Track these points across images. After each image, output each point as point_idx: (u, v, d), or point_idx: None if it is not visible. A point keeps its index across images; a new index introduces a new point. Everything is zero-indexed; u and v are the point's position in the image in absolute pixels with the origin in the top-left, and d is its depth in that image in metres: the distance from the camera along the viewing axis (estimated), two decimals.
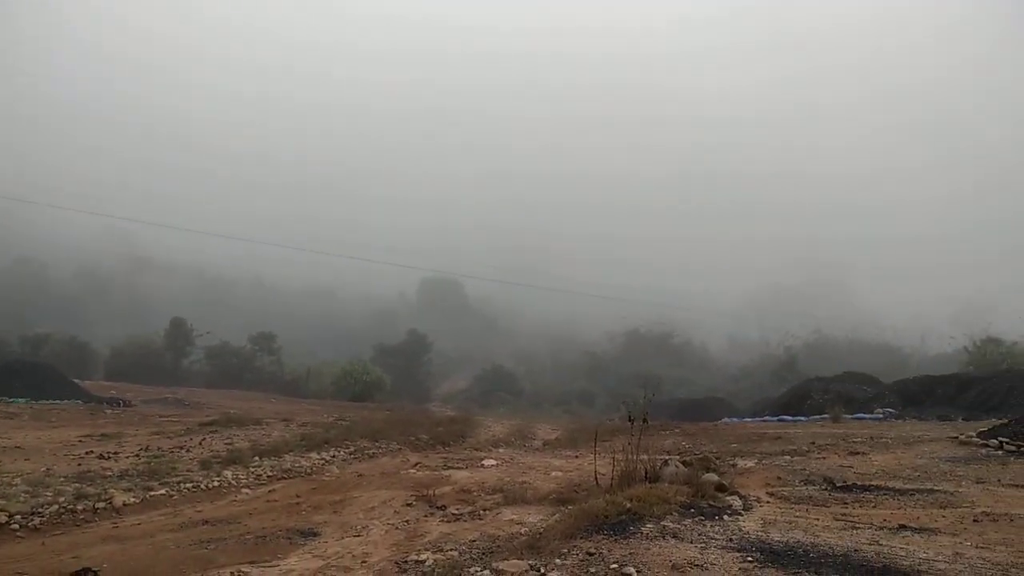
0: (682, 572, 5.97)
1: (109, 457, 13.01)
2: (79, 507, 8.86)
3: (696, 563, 6.20)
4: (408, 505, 9.80)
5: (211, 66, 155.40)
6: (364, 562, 6.88)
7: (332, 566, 6.73)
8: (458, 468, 13.57)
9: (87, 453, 13.44)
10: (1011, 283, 77.64)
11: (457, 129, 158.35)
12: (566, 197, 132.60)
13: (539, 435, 24.50)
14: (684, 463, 10.63)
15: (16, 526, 7.96)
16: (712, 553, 6.57)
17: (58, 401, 25.82)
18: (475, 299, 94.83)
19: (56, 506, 8.74)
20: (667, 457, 11.35)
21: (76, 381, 31.12)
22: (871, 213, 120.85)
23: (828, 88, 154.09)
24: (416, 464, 14.07)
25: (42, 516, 8.35)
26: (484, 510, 9.43)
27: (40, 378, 28.46)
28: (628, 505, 8.25)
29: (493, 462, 14.44)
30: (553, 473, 12.70)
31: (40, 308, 62.93)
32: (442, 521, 8.84)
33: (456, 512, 9.35)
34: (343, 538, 7.91)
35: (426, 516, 9.17)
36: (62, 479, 10.50)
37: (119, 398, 28.27)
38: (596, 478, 9.82)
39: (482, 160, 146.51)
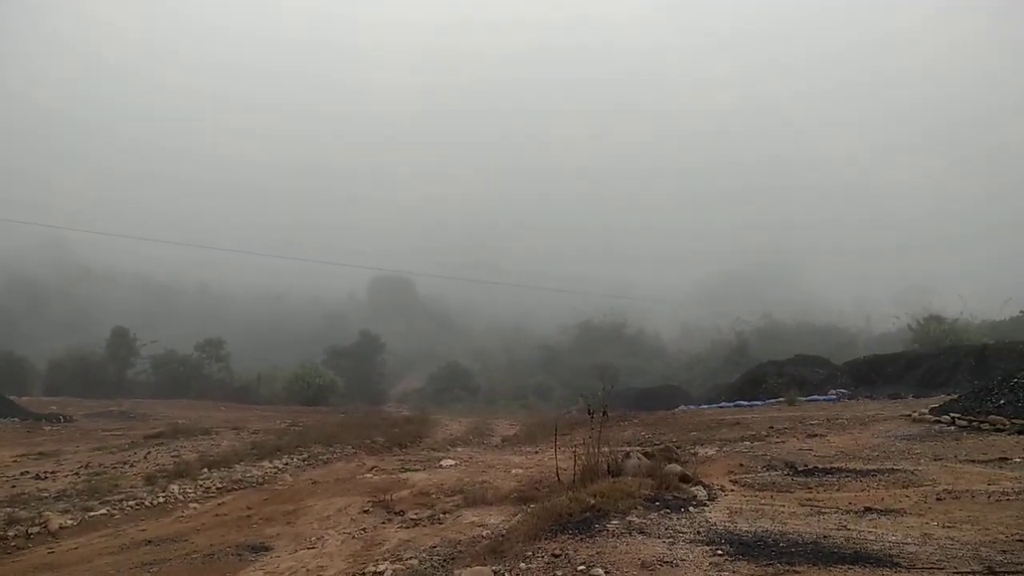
0: (652, 571, 5.78)
1: (46, 477, 12.39)
2: (11, 533, 8.37)
3: (665, 560, 6.02)
4: (365, 512, 9.48)
5: (161, 62, 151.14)
6: None
7: None
8: (415, 470, 13.26)
9: (22, 474, 12.78)
10: (958, 268, 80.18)
11: (403, 126, 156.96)
12: (514, 191, 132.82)
13: (497, 432, 24.34)
14: (646, 454, 10.48)
15: None
16: (681, 548, 6.40)
17: None
18: (426, 298, 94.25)
19: None
20: (629, 449, 11.22)
21: (12, 398, 29.81)
22: (821, 199, 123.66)
23: (783, 77, 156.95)
24: (372, 468, 13.70)
25: None
26: (444, 513, 9.16)
27: None
28: (592, 502, 8.05)
29: (452, 462, 14.17)
30: (514, 471, 12.48)
31: None
32: (400, 527, 8.55)
33: (415, 517, 9.07)
34: (297, 551, 7.57)
35: (384, 523, 8.87)
36: None
37: (59, 414, 27.15)
38: (558, 474, 9.61)
39: (426, 156, 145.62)
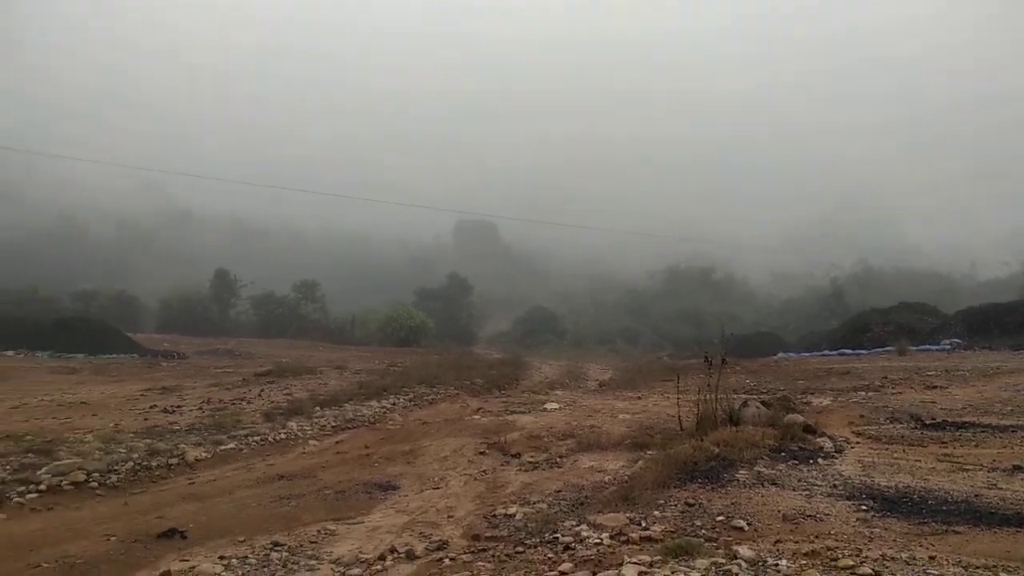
0: (795, 524, 5.60)
1: (173, 411, 13.00)
2: (153, 463, 8.78)
3: (807, 513, 5.83)
4: (481, 453, 9.60)
5: (237, 21, 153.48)
6: (451, 516, 6.65)
7: (418, 521, 6.50)
8: (521, 412, 13.40)
9: (151, 407, 13.47)
10: None
11: (488, 67, 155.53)
12: (597, 131, 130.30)
13: (591, 375, 24.38)
14: (764, 403, 10.22)
15: (95, 484, 7.88)
16: (820, 501, 6.20)
17: (115, 356, 26.19)
18: (510, 242, 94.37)
19: (131, 463, 8.65)
20: (746, 397, 10.96)
21: (129, 335, 31.56)
22: (917, 142, 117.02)
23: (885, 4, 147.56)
24: (478, 410, 13.93)
25: (118, 473, 8.27)
26: (560, 457, 9.18)
27: (95, 333, 28.87)
28: (716, 450, 7.91)
29: (555, 405, 14.24)
30: (620, 416, 12.42)
31: (85, 264, 63.93)
32: (520, 470, 8.60)
33: (532, 460, 9.11)
34: (423, 491, 7.70)
35: (502, 465, 8.95)
36: (132, 435, 10.45)
37: (173, 351, 28.61)
38: (680, 422, 9.48)
39: (514, 99, 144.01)
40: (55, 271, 56.95)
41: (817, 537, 5.23)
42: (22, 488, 7.47)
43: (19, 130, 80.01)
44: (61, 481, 7.76)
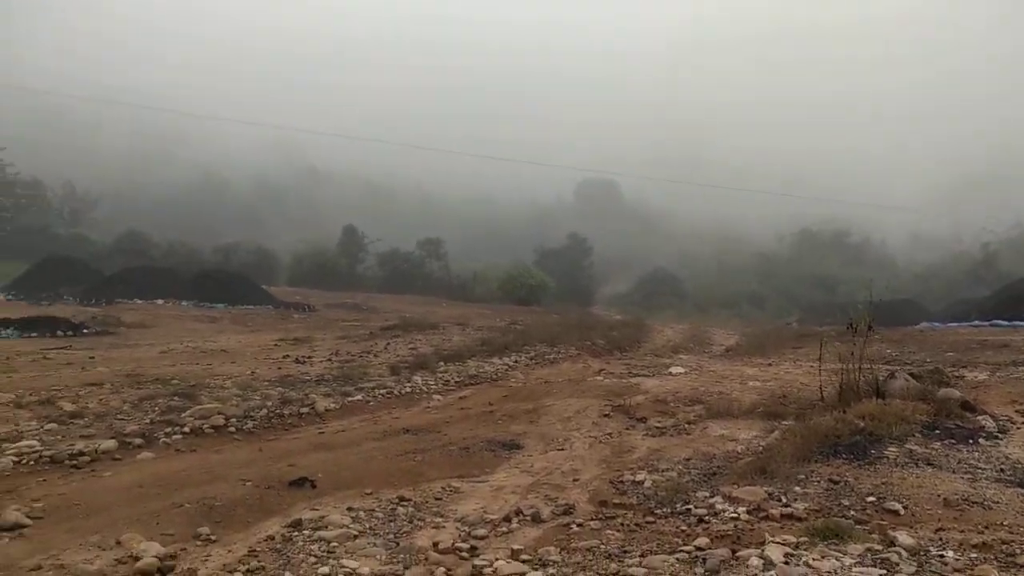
0: (959, 511, 5.08)
1: (304, 361, 13.49)
2: (285, 412, 9.07)
3: (972, 500, 5.28)
4: (605, 416, 9.39)
5: None
6: (576, 480, 6.47)
7: (543, 483, 6.36)
8: (645, 375, 13.12)
9: (284, 357, 14.03)
10: None
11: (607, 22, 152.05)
12: (724, 92, 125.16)
13: (716, 340, 23.75)
14: (912, 376, 9.47)
15: (232, 429, 8.21)
16: (987, 487, 5.61)
17: (251, 306, 27.61)
18: (632, 201, 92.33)
19: (265, 410, 8.97)
20: (892, 369, 10.20)
21: (264, 287, 33.20)
22: None
23: None
24: (600, 371, 13.73)
25: (254, 420, 8.58)
26: (688, 424, 8.85)
27: (234, 285, 30.53)
28: (860, 424, 7.37)
29: (680, 370, 13.86)
30: (750, 383, 11.93)
31: (226, 220, 67.65)
32: (646, 435, 8.34)
33: (658, 425, 8.83)
34: (547, 451, 7.57)
35: (627, 429, 8.71)
36: (266, 383, 10.89)
37: (304, 303, 29.87)
38: (821, 392, 8.91)
39: (629, 59, 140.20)
40: (199, 226, 60.54)
41: (987, 527, 4.71)
42: (169, 429, 7.88)
43: (167, 91, 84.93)
44: (203, 425, 8.13)
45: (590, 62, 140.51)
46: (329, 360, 13.81)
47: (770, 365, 14.85)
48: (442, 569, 4.32)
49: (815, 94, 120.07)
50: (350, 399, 10.17)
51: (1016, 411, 8.82)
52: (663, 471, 6.62)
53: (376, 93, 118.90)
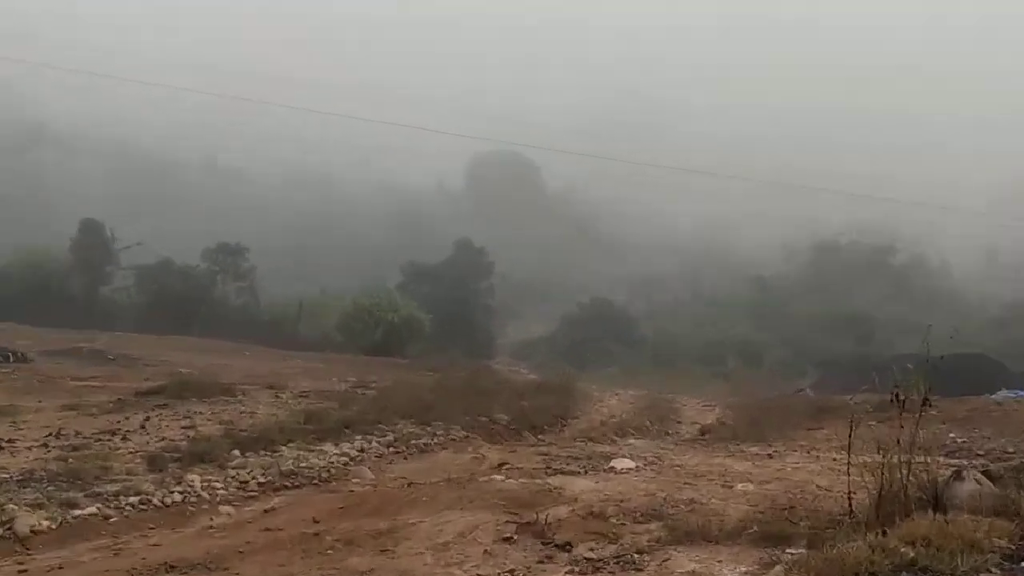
0: None
1: (1, 448, 12.90)
2: None
3: None
4: (506, 540, 9.31)
5: None
6: None
7: None
8: (573, 473, 13.18)
9: None
10: None
11: None
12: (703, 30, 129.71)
13: (686, 415, 24.13)
14: (987, 474, 9.79)
15: None
16: None
17: None
18: (559, 191, 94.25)
19: None
20: (956, 464, 10.54)
21: None
22: None
23: None
24: (502, 465, 13.71)
25: None
26: (638, 553, 8.86)
27: None
28: (910, 554, 7.54)
29: (629, 464, 14.04)
30: (739, 487, 12.13)
31: None
32: (571, 574, 8.30)
33: (591, 556, 8.80)
34: None
35: (541, 562, 8.66)
36: None
37: (7, 348, 28.66)
38: (850, 501, 9.06)
39: None
40: None
41: None
42: None
43: None
44: None
45: None
46: (45, 446, 13.23)
47: (771, 457, 15.22)
48: None
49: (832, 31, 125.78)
50: (76, 512, 9.75)
51: None
52: None
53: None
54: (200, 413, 17.26)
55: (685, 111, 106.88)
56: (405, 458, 14.51)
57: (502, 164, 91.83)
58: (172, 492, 10.99)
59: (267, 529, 9.74)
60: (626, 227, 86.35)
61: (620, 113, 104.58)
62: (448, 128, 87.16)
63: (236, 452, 13.32)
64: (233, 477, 12.03)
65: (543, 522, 9.82)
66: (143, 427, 15.41)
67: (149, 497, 10.65)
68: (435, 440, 16.10)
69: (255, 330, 45.75)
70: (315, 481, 12.41)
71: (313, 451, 14.03)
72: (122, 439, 14.18)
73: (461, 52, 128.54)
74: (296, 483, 12.20)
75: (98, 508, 10.03)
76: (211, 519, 10.19)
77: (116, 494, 10.56)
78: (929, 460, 9.34)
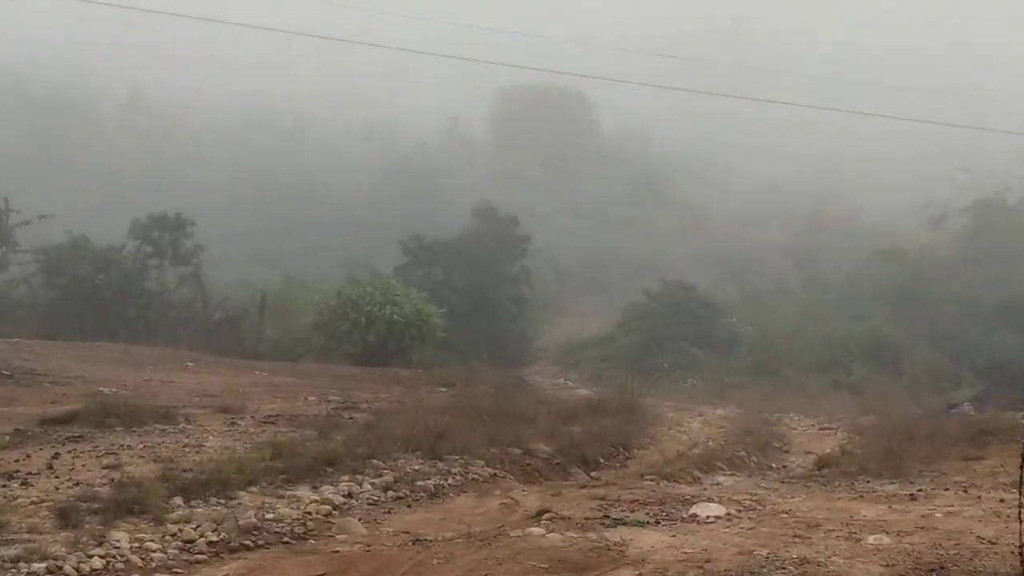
0: None
1: None
2: None
3: None
4: None
5: None
6: None
7: None
8: (640, 524, 13.12)
9: None
10: None
11: None
12: None
13: (795, 440, 24.02)
14: None
15: None
16: None
17: None
18: (620, 136, 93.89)
19: None
20: None
21: None
22: None
23: None
24: (541, 514, 13.67)
25: None
26: None
27: None
28: None
29: (717, 510, 13.99)
30: (870, 539, 12.07)
31: None
32: None
33: None
34: None
35: None
36: None
37: None
38: (1022, 555, 9.05)
39: None
40: None
41: None
42: None
43: None
44: None
45: None
46: None
47: (913, 498, 15.10)
48: None
49: None
50: None
51: None
52: None
53: None
54: (128, 447, 17.29)
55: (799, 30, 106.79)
56: (409, 506, 14.51)
57: (540, 100, 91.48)
58: (91, 556, 11.01)
59: None
60: (713, 186, 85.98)
61: (709, 31, 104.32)
62: (464, 51, 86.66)
63: (178, 500, 13.33)
64: (174, 535, 12.03)
65: None
66: (51, 467, 15.44)
67: (59, 563, 10.68)
68: (450, 481, 16.08)
69: (203, 333, 45.84)
70: (286, 539, 12.38)
71: (283, 498, 14.03)
72: (22, 484, 14.20)
73: None
74: (260, 541, 12.15)
75: None
76: None
77: (15, 559, 10.61)
78: None
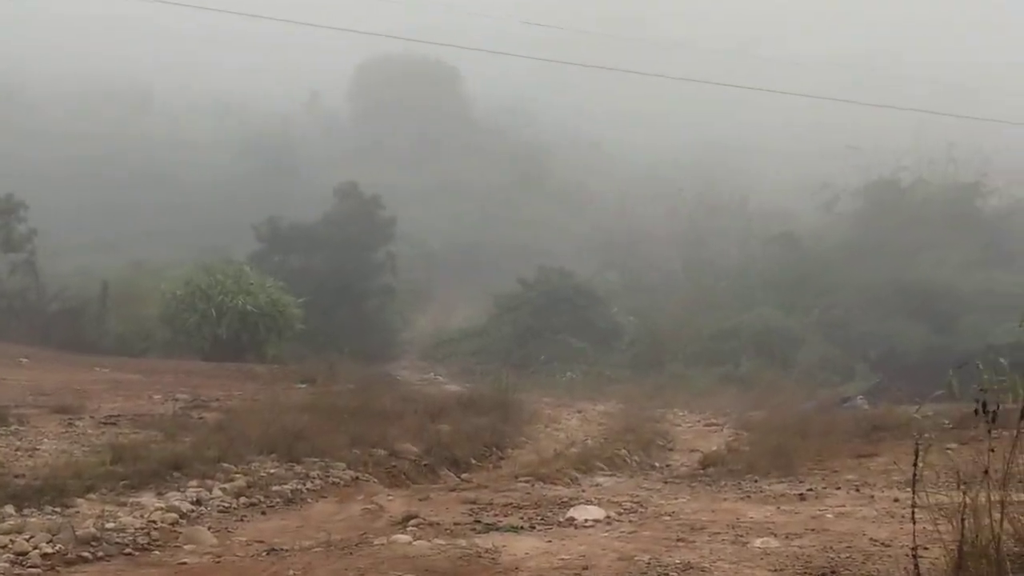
0: None
1: None
2: None
3: None
4: None
5: None
6: None
7: None
8: (514, 529, 13.20)
9: None
10: None
11: None
12: None
13: (680, 437, 24.28)
14: None
15: None
16: None
17: None
18: (492, 110, 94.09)
19: None
20: None
21: None
22: None
23: None
24: (407, 519, 13.69)
25: None
26: None
27: None
28: None
29: (596, 512, 14.08)
30: (757, 542, 12.23)
31: None
32: None
33: None
34: None
35: None
36: None
37: None
38: (915, 562, 9.25)
39: None
40: None
41: None
42: None
43: None
44: None
45: None
46: None
47: (803, 498, 15.33)
48: None
49: None
50: None
51: None
52: None
53: None
54: None
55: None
56: (264, 512, 14.42)
57: (406, 71, 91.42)
58: None
59: None
60: (593, 164, 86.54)
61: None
62: (324, 19, 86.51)
63: (9, 509, 13.21)
64: (5, 546, 11.93)
65: None
66: None
67: None
68: (308, 485, 16.02)
69: (38, 325, 45.39)
70: (128, 550, 12.18)
71: (125, 505, 13.90)
72: None
73: None
74: (100, 553, 11.99)
75: None
76: None
77: None
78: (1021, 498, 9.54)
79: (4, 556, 11.60)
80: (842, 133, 73.33)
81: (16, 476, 14.80)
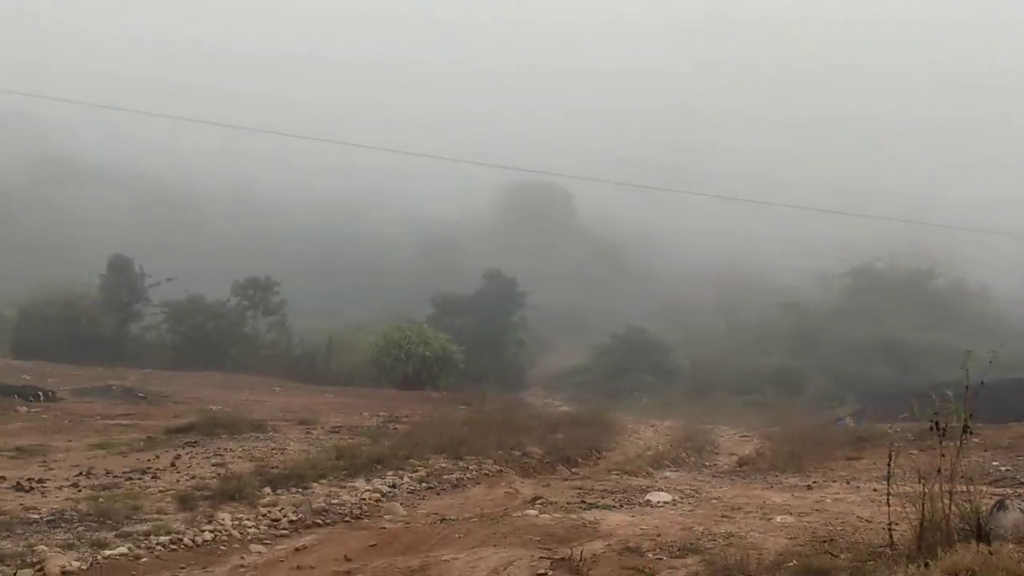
0: None
1: (31, 488, 12.94)
2: None
3: None
4: None
5: None
6: None
7: None
8: (608, 507, 13.15)
9: None
10: None
11: None
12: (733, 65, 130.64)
13: (723, 445, 24.02)
14: None
15: None
16: None
17: None
18: (591, 220, 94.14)
19: None
20: (1003, 494, 10.44)
21: None
22: None
23: None
24: (535, 500, 13.67)
25: None
26: None
27: None
28: None
29: (665, 496, 13.98)
30: (778, 518, 12.10)
31: None
32: None
33: None
34: None
35: None
36: None
37: (37, 387, 28.80)
38: (891, 532, 9.02)
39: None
40: None
41: None
42: None
43: None
44: None
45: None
46: (75, 486, 13.28)
47: (810, 488, 15.18)
48: None
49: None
50: (107, 552, 9.79)
51: None
52: None
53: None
54: (230, 450, 17.33)
55: (722, 133, 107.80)
56: (437, 494, 14.55)
57: (533, 193, 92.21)
58: (203, 531, 11.04)
59: (298, 568, 9.75)
60: (659, 256, 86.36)
61: (654, 138, 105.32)
62: (472, 156, 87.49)
63: (267, 489, 13.36)
64: (264, 515, 12.05)
65: (578, 558, 9.76)
66: (173, 465, 15.47)
67: (180, 536, 10.69)
68: (468, 475, 16.18)
69: (286, 365, 45.86)
70: (347, 518, 12.48)
71: (344, 487, 14.06)
72: (152, 478, 14.24)
73: (481, 70, 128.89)
74: (327, 520, 12.23)
75: (128, 548, 10.06)
76: (242, 558, 10.22)
77: (146, 534, 10.60)
78: (972, 489, 9.27)
79: (264, 522, 11.84)
80: (837, 234, 72.87)
81: (272, 468, 15.07)
